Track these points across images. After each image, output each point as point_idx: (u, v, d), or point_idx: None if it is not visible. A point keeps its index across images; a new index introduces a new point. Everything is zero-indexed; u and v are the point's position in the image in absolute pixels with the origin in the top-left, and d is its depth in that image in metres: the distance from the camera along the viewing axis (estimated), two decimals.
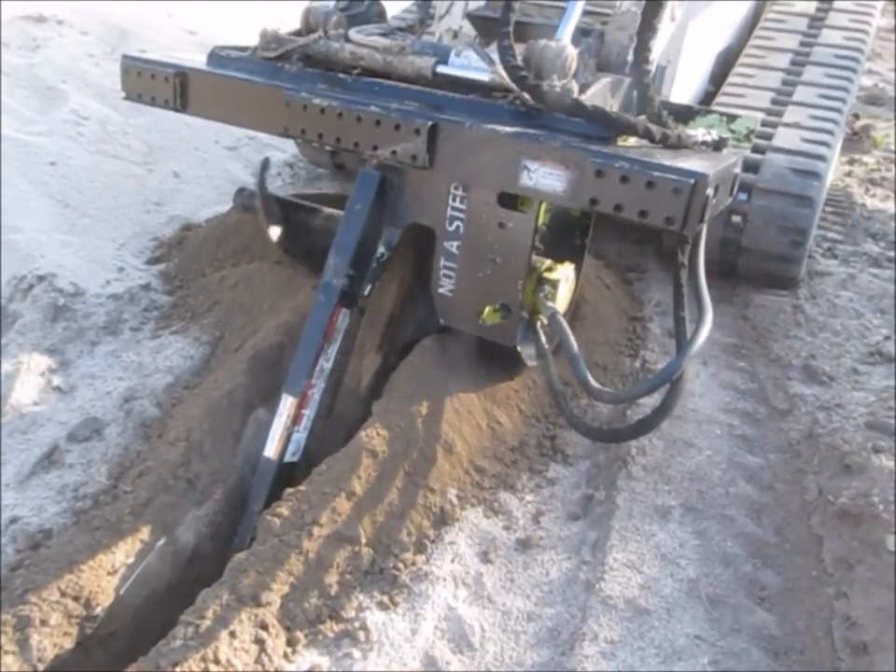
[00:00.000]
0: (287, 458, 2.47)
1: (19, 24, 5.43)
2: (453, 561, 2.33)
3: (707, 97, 4.35)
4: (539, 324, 2.50)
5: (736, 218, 3.65)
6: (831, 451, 2.70)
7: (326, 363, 2.51)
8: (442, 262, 2.51)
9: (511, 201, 2.35)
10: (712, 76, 4.49)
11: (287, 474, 2.46)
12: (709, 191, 1.99)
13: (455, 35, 3.17)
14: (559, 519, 2.58)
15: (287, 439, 2.45)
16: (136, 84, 2.76)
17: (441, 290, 2.55)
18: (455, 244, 2.46)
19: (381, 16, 2.88)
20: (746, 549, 2.47)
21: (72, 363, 3.07)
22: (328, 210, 3.15)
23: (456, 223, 2.44)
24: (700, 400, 3.11)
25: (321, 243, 3.05)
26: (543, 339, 2.49)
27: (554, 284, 2.47)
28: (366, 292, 2.57)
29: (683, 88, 3.73)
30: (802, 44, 4.58)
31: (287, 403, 2.44)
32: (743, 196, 3.55)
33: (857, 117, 6.24)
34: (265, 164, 3.06)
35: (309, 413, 2.50)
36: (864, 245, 4.37)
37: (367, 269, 2.55)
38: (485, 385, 2.79)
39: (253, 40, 2.84)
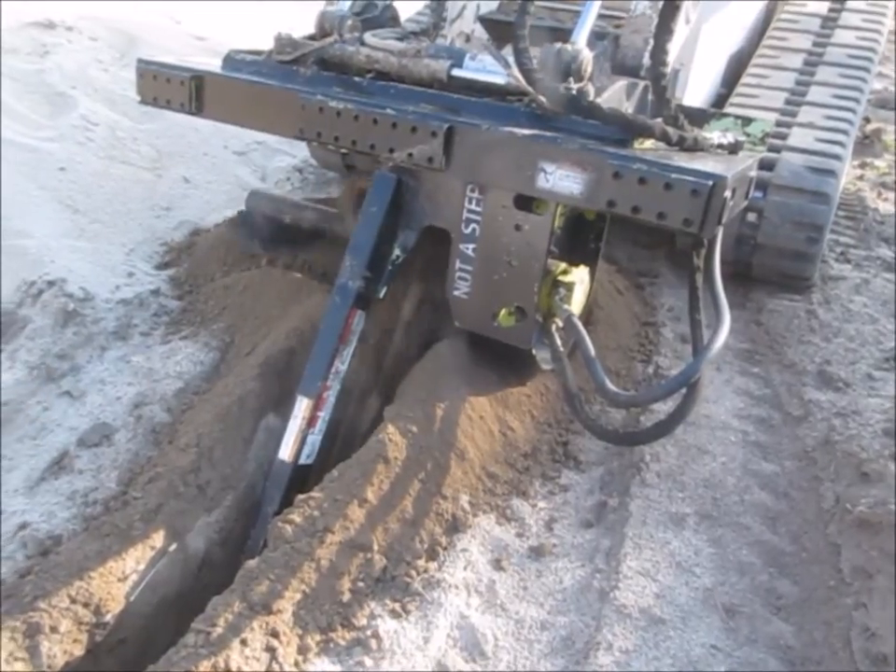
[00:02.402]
0: (302, 460, 2.46)
1: (28, 30, 5.44)
2: (465, 568, 2.31)
3: (720, 100, 4.35)
4: (553, 327, 2.48)
5: (752, 216, 3.65)
6: (847, 458, 2.67)
7: (341, 365, 2.51)
8: (458, 265, 2.50)
9: (527, 203, 2.34)
10: (724, 78, 4.48)
11: (302, 477, 2.45)
12: (727, 193, 1.97)
13: (468, 38, 3.16)
14: (572, 526, 2.55)
15: (302, 441, 2.45)
16: (151, 88, 2.76)
17: (456, 293, 2.53)
18: (471, 246, 2.45)
19: (395, 20, 2.89)
20: (762, 557, 2.44)
21: (82, 368, 3.06)
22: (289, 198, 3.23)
23: (472, 225, 2.43)
24: (714, 406, 3.08)
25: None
26: (558, 342, 2.47)
27: (570, 286, 2.45)
28: (381, 294, 2.56)
29: (696, 90, 3.72)
30: (815, 44, 4.57)
31: (302, 405, 2.43)
32: (759, 193, 3.55)
33: (867, 120, 6.21)
34: None
35: (324, 414, 2.49)
36: (878, 249, 4.34)
37: (382, 271, 2.55)
38: (497, 391, 2.77)
39: (262, 45, 2.84)
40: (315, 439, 2.48)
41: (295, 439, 2.43)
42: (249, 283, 3.37)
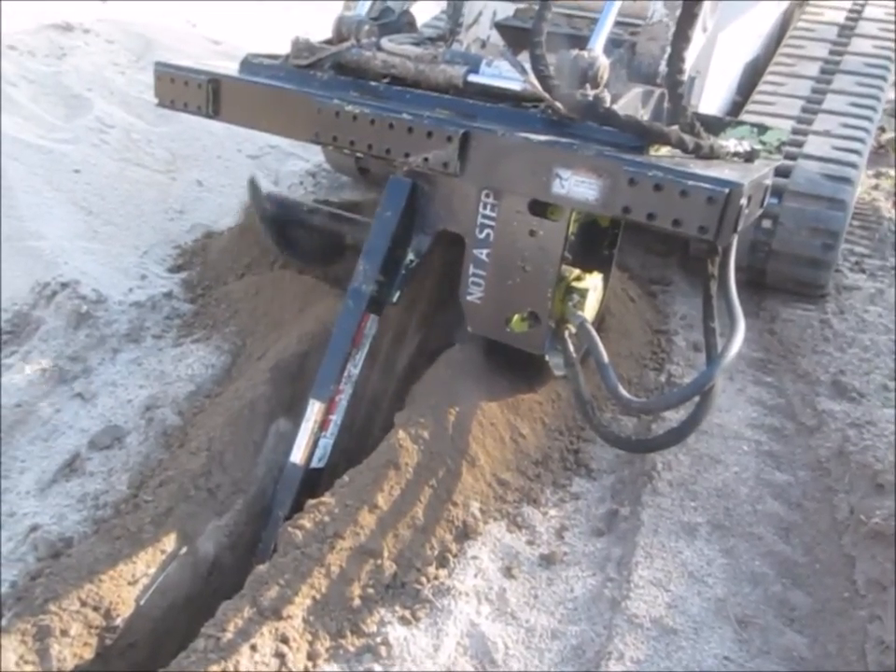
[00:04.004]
0: (314, 464, 2.46)
1: (45, 32, 5.48)
2: (475, 576, 2.30)
3: (735, 108, 4.34)
4: (566, 333, 2.47)
5: (767, 222, 3.64)
6: (862, 469, 2.65)
7: (353, 369, 2.51)
8: (471, 270, 2.50)
9: (541, 209, 2.33)
10: (740, 86, 4.47)
11: (313, 480, 2.45)
12: (743, 201, 1.97)
13: (484, 44, 3.17)
14: (583, 534, 2.53)
15: (314, 444, 2.45)
16: (169, 90, 2.77)
17: (469, 298, 2.53)
18: (485, 251, 2.45)
19: (412, 25, 2.89)
20: (775, 568, 2.42)
21: (94, 370, 3.06)
22: (324, 208, 3.18)
23: (486, 231, 2.43)
24: (727, 416, 3.06)
25: (316, 239, 3.20)
26: (571, 348, 2.46)
27: (583, 293, 2.45)
28: (394, 299, 2.56)
29: (712, 98, 3.71)
30: (831, 53, 4.56)
31: (314, 409, 2.44)
32: (774, 199, 3.54)
33: (883, 130, 6.19)
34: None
35: (336, 418, 2.50)
36: (892, 259, 4.32)
37: (396, 275, 2.55)
38: (509, 397, 2.76)
39: (278, 49, 2.85)
40: (326, 442, 2.49)
41: (307, 442, 2.44)
42: (262, 286, 3.38)
